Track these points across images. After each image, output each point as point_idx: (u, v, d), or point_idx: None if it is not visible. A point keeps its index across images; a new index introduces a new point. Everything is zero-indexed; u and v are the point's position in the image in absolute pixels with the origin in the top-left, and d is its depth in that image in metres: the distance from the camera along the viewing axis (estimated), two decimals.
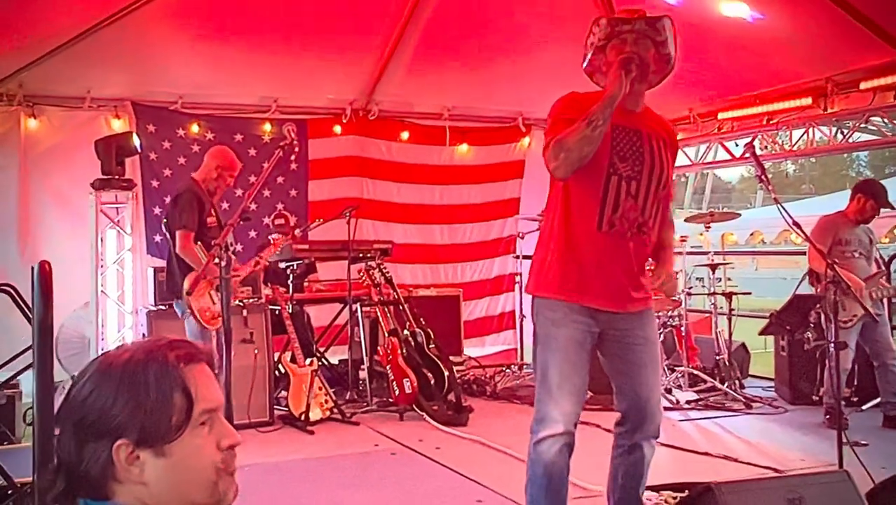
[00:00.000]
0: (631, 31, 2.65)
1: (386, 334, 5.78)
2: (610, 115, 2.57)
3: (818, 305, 5.44)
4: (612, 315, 2.76)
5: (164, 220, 5.02)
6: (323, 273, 6.67)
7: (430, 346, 5.80)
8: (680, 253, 6.54)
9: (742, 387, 6.26)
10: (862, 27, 5.08)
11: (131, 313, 6.11)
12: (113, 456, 1.09)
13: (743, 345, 6.80)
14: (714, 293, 6.50)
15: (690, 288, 6.82)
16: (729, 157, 7.52)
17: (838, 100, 6.03)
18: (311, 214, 7.09)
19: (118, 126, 6.43)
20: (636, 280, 2.77)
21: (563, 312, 2.73)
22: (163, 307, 5.27)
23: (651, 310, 2.89)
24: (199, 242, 4.61)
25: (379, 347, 5.96)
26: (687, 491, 3.38)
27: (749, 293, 6.77)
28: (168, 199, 5.34)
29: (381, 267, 6.04)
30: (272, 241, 5.07)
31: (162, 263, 5.38)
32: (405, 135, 7.66)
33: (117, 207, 6.10)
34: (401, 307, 5.93)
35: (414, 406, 5.51)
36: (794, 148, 6.81)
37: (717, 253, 7.37)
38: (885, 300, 5.37)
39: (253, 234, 6.86)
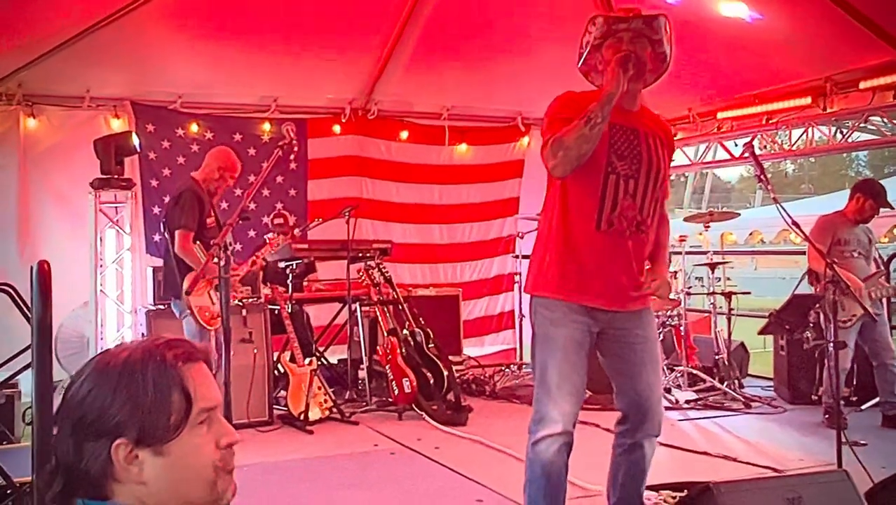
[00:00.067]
0: (627, 29, 2.65)
1: (385, 334, 5.78)
2: (608, 113, 2.57)
3: (817, 305, 5.44)
4: (612, 314, 2.76)
5: (164, 219, 5.02)
6: (322, 273, 6.67)
7: (430, 345, 5.79)
8: (679, 253, 6.54)
9: (741, 386, 6.26)
10: (861, 27, 5.08)
11: (130, 313, 6.11)
12: (112, 455, 1.09)
13: (742, 344, 6.80)
14: (713, 293, 6.51)
15: (690, 288, 6.82)
16: (728, 156, 7.51)
17: (837, 99, 6.03)
18: (310, 214, 7.09)
19: (117, 126, 6.42)
20: (635, 279, 2.77)
21: (563, 311, 2.73)
22: (161, 307, 5.27)
23: (650, 309, 2.89)
24: (198, 242, 4.61)
25: (378, 347, 5.96)
26: (686, 490, 3.38)
27: (748, 293, 6.78)
28: (167, 199, 5.33)
29: (381, 266, 6.04)
30: (268, 241, 5.07)
31: (161, 263, 5.37)
32: (404, 134, 7.65)
33: (116, 207, 6.09)
34: (400, 307, 5.93)
35: (413, 406, 5.51)
36: (794, 148, 6.81)
37: (716, 252, 7.38)
38: (884, 300, 5.37)
39: (252, 233, 6.86)
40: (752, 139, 6.14)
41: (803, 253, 5.79)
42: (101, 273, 5.94)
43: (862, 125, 6.31)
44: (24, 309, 3.49)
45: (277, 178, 7.09)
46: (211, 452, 1.16)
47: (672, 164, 3.00)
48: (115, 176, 5.68)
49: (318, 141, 7.30)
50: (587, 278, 2.73)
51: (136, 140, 5.90)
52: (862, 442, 4.37)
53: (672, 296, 6.25)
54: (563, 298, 2.73)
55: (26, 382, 4.13)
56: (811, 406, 5.63)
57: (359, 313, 6.19)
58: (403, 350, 5.65)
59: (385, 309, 5.88)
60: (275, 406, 5.51)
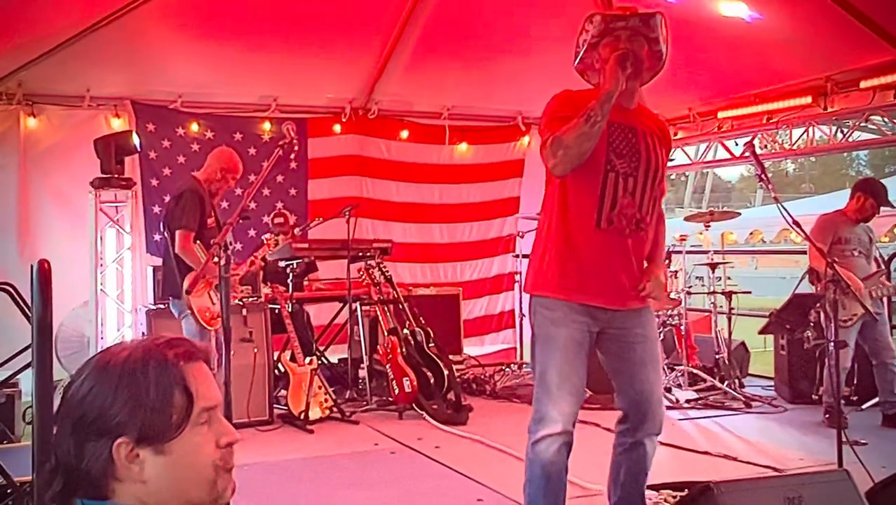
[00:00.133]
0: (625, 27, 2.65)
1: (385, 333, 5.78)
2: (608, 111, 2.57)
3: (818, 304, 5.43)
4: (612, 313, 2.76)
5: (164, 218, 5.01)
6: (322, 272, 6.67)
7: (430, 345, 5.80)
8: (679, 252, 6.54)
9: (742, 386, 6.26)
10: (862, 26, 5.08)
11: (130, 312, 6.11)
12: (113, 454, 1.09)
13: (742, 344, 6.80)
14: (714, 292, 6.51)
15: (690, 287, 6.82)
16: (729, 156, 7.51)
17: (838, 99, 6.03)
18: (310, 213, 7.09)
19: (117, 125, 6.42)
20: (635, 278, 2.76)
21: (563, 311, 2.72)
22: (161, 306, 5.26)
23: (650, 307, 2.88)
24: (198, 242, 4.60)
25: (378, 346, 5.96)
26: (686, 490, 3.38)
27: (749, 292, 6.77)
28: (168, 198, 5.33)
29: (381, 266, 6.04)
30: (265, 241, 5.08)
31: (161, 262, 5.37)
32: (404, 134, 7.65)
33: (117, 206, 6.09)
34: (400, 306, 5.93)
35: (413, 405, 5.51)
36: (794, 147, 6.81)
37: (716, 252, 7.38)
38: (884, 299, 5.37)
39: (252, 233, 6.86)
40: (753, 138, 6.15)
41: (804, 252, 5.79)
42: (102, 272, 5.94)
43: (862, 125, 6.32)
44: (25, 308, 3.49)
45: (278, 177, 7.09)
46: (211, 451, 1.16)
47: (671, 163, 3.01)
48: (116, 175, 5.68)
49: (319, 140, 7.30)
50: (587, 277, 2.72)
51: (136, 139, 5.89)
52: (862, 441, 4.37)
53: (673, 295, 6.26)
54: (563, 298, 2.73)
55: (26, 382, 4.12)
56: (811, 406, 5.63)
57: (359, 313, 6.19)
58: (404, 349, 5.65)
59: (385, 308, 5.88)
60: (275, 405, 5.51)
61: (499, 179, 8.03)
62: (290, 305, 5.72)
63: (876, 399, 5.38)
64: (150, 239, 6.50)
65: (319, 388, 5.51)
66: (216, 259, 3.41)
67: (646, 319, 2.84)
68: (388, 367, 5.64)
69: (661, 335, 6.33)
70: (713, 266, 6.54)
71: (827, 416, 5.19)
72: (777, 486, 2.63)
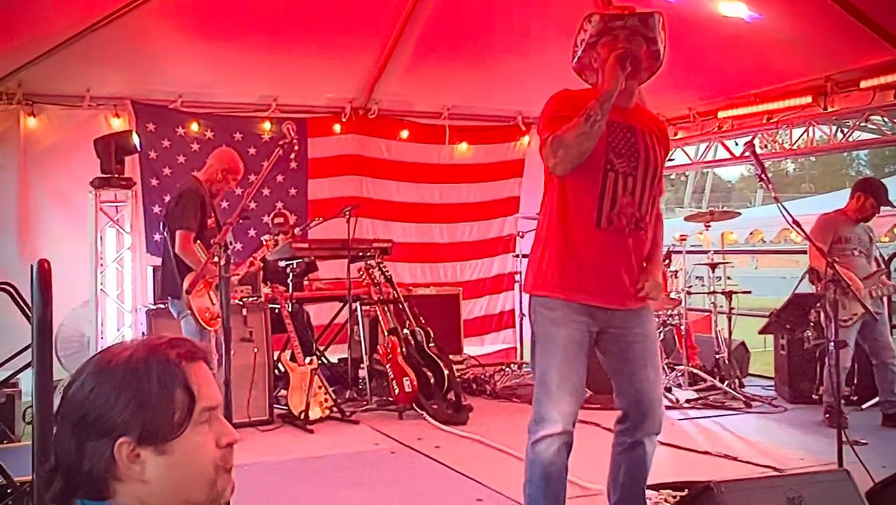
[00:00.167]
0: (623, 27, 2.65)
1: (386, 333, 5.78)
2: (608, 110, 2.57)
3: (818, 304, 5.44)
4: (611, 313, 2.76)
5: (164, 218, 5.01)
6: (323, 272, 6.67)
7: (430, 344, 5.79)
8: (680, 252, 6.54)
9: (742, 386, 6.26)
10: (862, 26, 5.08)
11: (130, 312, 6.11)
12: (115, 454, 1.09)
13: (743, 344, 6.80)
14: (714, 292, 6.51)
15: (690, 287, 6.82)
16: (729, 155, 7.51)
17: (838, 98, 6.03)
18: (310, 213, 7.09)
19: (117, 125, 6.42)
20: (635, 277, 2.77)
21: (563, 311, 2.72)
22: (161, 306, 5.26)
23: (649, 307, 2.88)
24: (198, 242, 4.60)
25: (379, 346, 5.96)
26: (686, 490, 3.38)
27: (749, 292, 6.77)
28: (168, 198, 5.33)
29: (381, 266, 6.04)
30: (264, 242, 5.07)
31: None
32: (405, 133, 7.65)
33: (117, 206, 6.09)
34: (400, 306, 5.93)
35: (413, 405, 5.51)
36: (794, 147, 6.81)
37: (716, 252, 7.38)
38: (884, 298, 5.37)
39: (252, 232, 6.86)
40: (753, 138, 6.15)
41: (804, 252, 5.78)
42: (102, 272, 5.94)
43: (862, 124, 6.32)
44: (25, 308, 3.49)
45: (278, 177, 7.09)
46: (212, 451, 1.16)
47: (671, 162, 3.01)
48: (116, 175, 5.68)
49: (319, 140, 7.30)
50: (587, 277, 2.72)
51: (136, 139, 5.89)
52: (862, 441, 4.37)
53: (673, 295, 6.26)
54: (562, 298, 2.73)
55: (27, 382, 4.12)
56: (812, 405, 5.63)
57: (359, 312, 6.19)
58: (404, 349, 5.65)
59: (385, 308, 5.88)
60: (275, 405, 5.51)
61: (499, 179, 8.03)
62: (290, 304, 5.72)
63: (876, 399, 5.38)
64: (150, 239, 6.50)
65: (319, 388, 5.51)
66: (216, 259, 3.41)
67: (645, 319, 2.84)
68: (388, 367, 5.64)
69: (661, 335, 6.33)
70: (713, 266, 6.54)
71: (827, 415, 5.19)
72: (777, 486, 2.63)
